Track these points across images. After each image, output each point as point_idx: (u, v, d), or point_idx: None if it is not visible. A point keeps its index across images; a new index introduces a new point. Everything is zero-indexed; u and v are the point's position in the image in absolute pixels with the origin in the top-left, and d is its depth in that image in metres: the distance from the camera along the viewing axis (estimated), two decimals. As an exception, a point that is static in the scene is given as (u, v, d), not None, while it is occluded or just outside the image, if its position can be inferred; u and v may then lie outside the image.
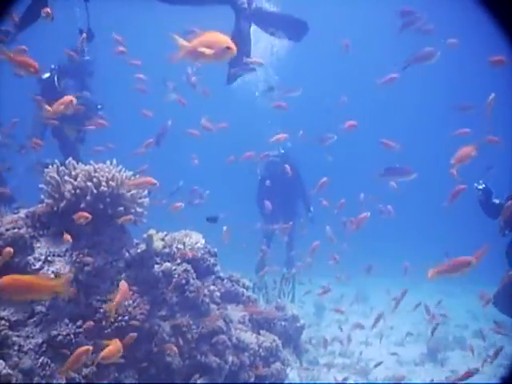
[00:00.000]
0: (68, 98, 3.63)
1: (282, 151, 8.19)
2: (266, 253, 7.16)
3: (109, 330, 3.34)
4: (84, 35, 5.75)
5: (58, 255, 3.35)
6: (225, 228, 5.49)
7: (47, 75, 6.47)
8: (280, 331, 4.91)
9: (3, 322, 3.11)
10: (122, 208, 3.48)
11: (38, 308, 3.27)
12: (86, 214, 3.31)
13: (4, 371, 2.93)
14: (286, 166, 7.21)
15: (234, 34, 4.33)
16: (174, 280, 3.73)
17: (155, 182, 3.57)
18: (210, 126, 6.53)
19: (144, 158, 6.05)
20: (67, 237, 3.29)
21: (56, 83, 6.36)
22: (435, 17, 5.81)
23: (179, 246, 3.95)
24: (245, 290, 4.66)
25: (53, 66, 6.56)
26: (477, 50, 8.53)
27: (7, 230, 3.24)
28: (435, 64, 4.64)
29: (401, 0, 6.02)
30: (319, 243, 6.06)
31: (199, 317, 3.85)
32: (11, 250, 3.09)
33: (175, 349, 3.52)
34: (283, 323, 5.03)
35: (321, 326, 7.60)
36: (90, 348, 2.87)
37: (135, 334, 3.26)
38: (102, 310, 3.33)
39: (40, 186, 3.43)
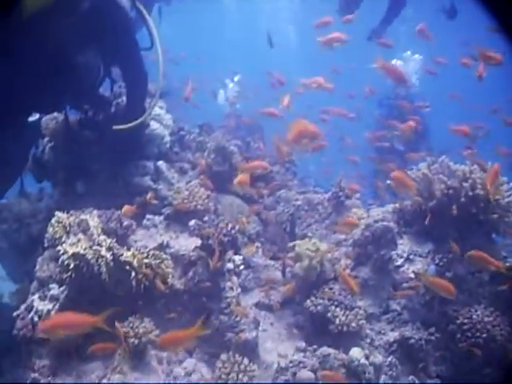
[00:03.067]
0: None
1: None
2: None
3: (463, 343, 3.08)
4: None
5: (420, 255, 3.22)
6: None
7: None
8: None
9: (361, 311, 3.16)
10: (495, 215, 3.09)
11: (393, 306, 3.23)
12: None
13: (362, 361, 2.97)
14: None
15: None
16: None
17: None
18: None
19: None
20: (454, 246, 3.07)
21: None
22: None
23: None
24: None
25: None
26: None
27: (375, 221, 3.23)
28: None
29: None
30: None
31: None
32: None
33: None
34: None
35: None
36: None
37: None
38: (457, 322, 3.09)
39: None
